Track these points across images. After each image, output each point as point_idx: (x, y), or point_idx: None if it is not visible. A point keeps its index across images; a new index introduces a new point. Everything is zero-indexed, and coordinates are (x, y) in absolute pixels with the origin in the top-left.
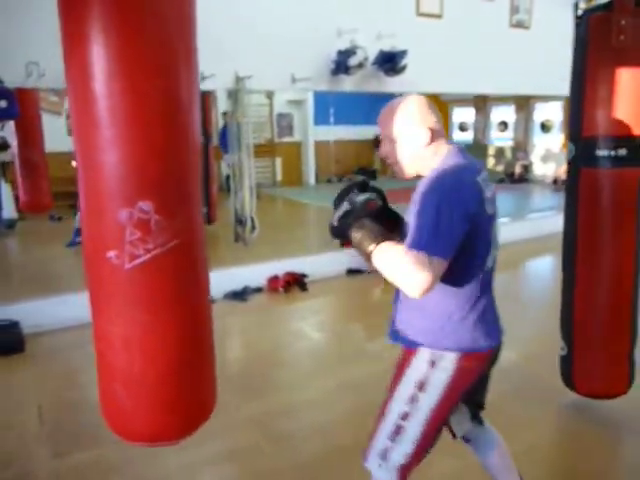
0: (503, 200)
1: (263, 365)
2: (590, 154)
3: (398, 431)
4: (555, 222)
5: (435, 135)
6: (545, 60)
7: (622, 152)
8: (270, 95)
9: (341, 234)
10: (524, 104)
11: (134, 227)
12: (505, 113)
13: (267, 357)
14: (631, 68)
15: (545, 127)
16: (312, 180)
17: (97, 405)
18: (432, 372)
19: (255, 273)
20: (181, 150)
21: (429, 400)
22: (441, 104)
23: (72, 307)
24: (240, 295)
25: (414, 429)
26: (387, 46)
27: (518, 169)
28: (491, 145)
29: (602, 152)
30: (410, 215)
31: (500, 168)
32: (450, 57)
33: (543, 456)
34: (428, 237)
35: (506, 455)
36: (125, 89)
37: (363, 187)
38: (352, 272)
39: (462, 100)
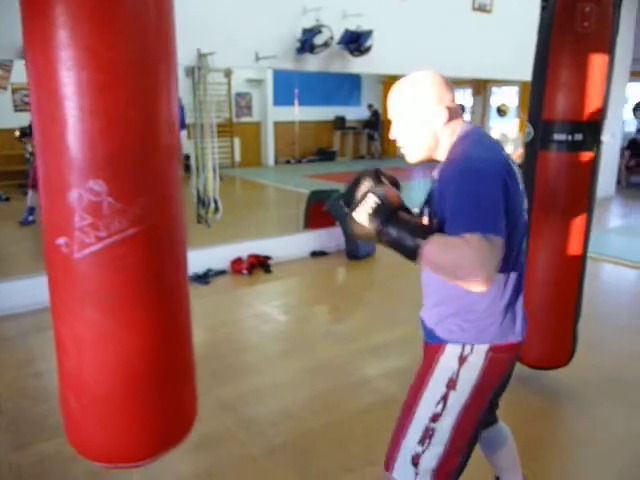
0: None
1: (229, 349)
2: (548, 137)
3: (428, 434)
4: None
5: (452, 114)
6: (505, 45)
7: (578, 137)
8: (228, 74)
9: (373, 233)
10: (481, 88)
11: (84, 211)
12: (462, 97)
13: (232, 341)
14: (592, 55)
15: (501, 111)
16: (271, 161)
17: (56, 394)
18: (462, 368)
19: (218, 255)
20: (147, 125)
21: (460, 398)
22: None
23: (24, 292)
24: (203, 278)
25: (445, 430)
26: (352, 25)
27: None
28: None
29: (559, 136)
30: (436, 201)
31: None
32: (414, 39)
33: None
34: (477, 217)
35: (513, 453)
36: (84, 55)
37: (377, 176)
38: (316, 254)
39: None
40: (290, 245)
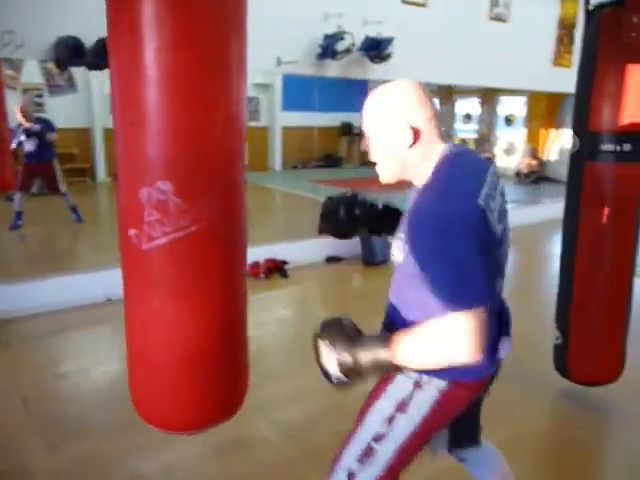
0: None
1: (253, 353)
2: (595, 149)
3: (368, 453)
4: (518, 215)
5: (423, 135)
6: (519, 54)
7: (627, 147)
8: None
9: (355, 373)
10: (489, 97)
11: (152, 208)
12: (470, 105)
13: (254, 346)
14: None
15: (509, 121)
16: (278, 166)
17: (85, 395)
18: (416, 393)
19: None
20: (216, 131)
21: (408, 424)
22: None
23: (42, 292)
24: None
25: (386, 453)
26: (372, 32)
27: None
28: (455, 136)
29: (607, 147)
30: (405, 241)
31: None
32: (433, 47)
33: (533, 439)
34: (458, 288)
35: (504, 472)
36: (158, 64)
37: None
38: (331, 259)
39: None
40: (305, 250)
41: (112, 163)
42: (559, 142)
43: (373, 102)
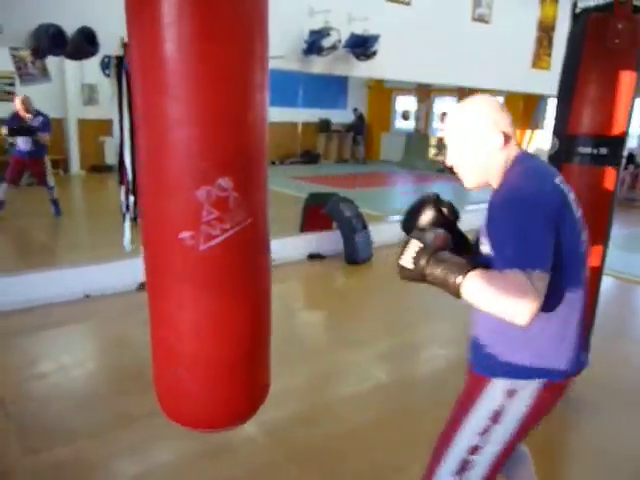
0: (442, 190)
1: None
2: (573, 150)
3: (465, 467)
4: None
5: (508, 140)
6: (502, 56)
7: (603, 151)
8: None
9: (418, 275)
10: (467, 96)
11: (212, 206)
12: (447, 104)
13: None
14: (622, 71)
15: None
16: None
17: (66, 395)
18: (510, 402)
19: None
20: (255, 125)
21: (503, 433)
22: (384, 91)
23: (18, 288)
24: None
25: (484, 463)
26: (358, 29)
27: None
28: (433, 136)
29: (584, 149)
30: (485, 233)
31: (441, 158)
32: (415, 45)
33: None
34: (519, 250)
35: (531, 470)
36: (201, 54)
37: (435, 204)
38: (313, 257)
39: (405, 89)
40: (287, 247)
41: (87, 155)
42: (535, 143)
43: (462, 113)
